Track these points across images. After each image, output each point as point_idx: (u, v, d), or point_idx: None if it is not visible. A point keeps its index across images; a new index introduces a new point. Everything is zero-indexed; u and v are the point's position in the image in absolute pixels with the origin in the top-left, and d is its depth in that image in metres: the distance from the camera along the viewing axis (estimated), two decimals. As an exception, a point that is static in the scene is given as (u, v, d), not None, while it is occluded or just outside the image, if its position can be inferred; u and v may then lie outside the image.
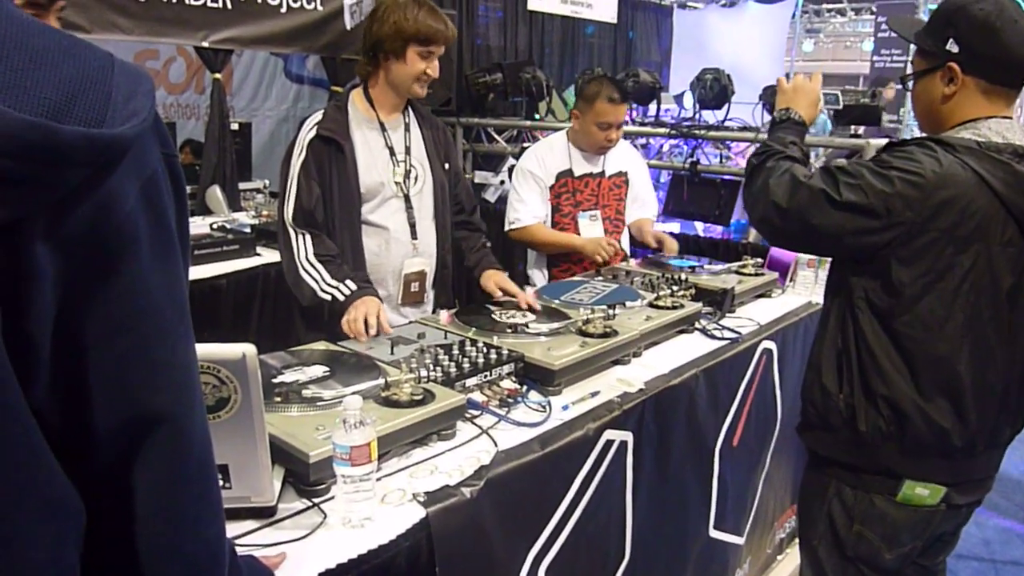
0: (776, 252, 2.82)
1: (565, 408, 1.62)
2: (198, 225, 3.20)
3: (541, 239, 2.79)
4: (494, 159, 5.20)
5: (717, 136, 4.32)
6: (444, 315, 2.02)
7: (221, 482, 1.09)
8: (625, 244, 2.96)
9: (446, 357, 1.66)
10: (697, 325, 2.18)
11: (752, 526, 2.36)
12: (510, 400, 1.62)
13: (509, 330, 1.89)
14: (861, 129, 4.64)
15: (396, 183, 2.17)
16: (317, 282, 2.00)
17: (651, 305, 2.14)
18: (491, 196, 4.97)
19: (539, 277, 2.87)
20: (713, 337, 2.13)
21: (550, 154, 2.82)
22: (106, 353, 0.52)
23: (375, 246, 2.18)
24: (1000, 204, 1.41)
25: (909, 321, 1.47)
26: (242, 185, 4.15)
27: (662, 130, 4.51)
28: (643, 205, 2.98)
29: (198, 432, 0.60)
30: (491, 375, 1.66)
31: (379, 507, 1.23)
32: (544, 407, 1.61)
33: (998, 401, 1.52)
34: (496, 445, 1.45)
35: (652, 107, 4.85)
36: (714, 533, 2.12)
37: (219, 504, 0.63)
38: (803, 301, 2.56)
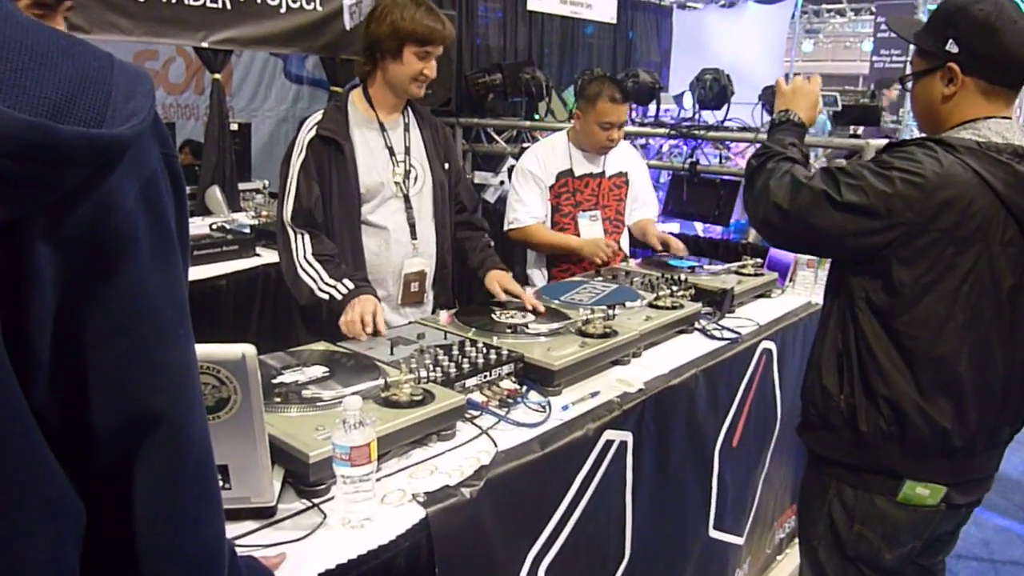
0: (775, 252, 2.82)
1: (565, 408, 1.62)
2: (197, 225, 3.19)
3: (539, 240, 2.79)
4: (493, 159, 5.20)
5: (716, 136, 4.32)
6: (444, 315, 2.02)
7: (221, 482, 1.09)
8: (624, 244, 2.96)
9: (446, 357, 1.66)
10: (697, 325, 2.18)
11: (752, 526, 2.36)
12: (510, 400, 1.62)
13: (509, 330, 1.89)
14: (860, 129, 4.64)
15: (396, 183, 2.17)
16: (315, 281, 2.00)
17: (651, 305, 2.15)
18: (490, 196, 4.97)
19: (538, 277, 2.87)
20: (713, 337, 2.13)
21: (551, 154, 2.82)
22: (106, 353, 0.52)
23: (375, 246, 2.18)
24: (1001, 204, 1.41)
25: (909, 321, 1.47)
26: (241, 185, 4.14)
27: (662, 130, 4.50)
28: (644, 205, 2.98)
29: (198, 432, 0.60)
30: (491, 375, 1.66)
31: (379, 507, 1.23)
32: (544, 407, 1.61)
33: (998, 401, 1.52)
34: (496, 445, 1.45)
35: (652, 107, 4.85)
36: (714, 533, 2.12)
37: (219, 504, 0.63)
38: (802, 301, 2.57)
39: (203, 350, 0.98)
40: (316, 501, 1.24)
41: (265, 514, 1.18)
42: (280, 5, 3.92)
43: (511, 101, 5.16)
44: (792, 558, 2.62)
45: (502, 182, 4.93)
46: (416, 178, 2.22)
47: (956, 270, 1.43)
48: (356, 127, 2.14)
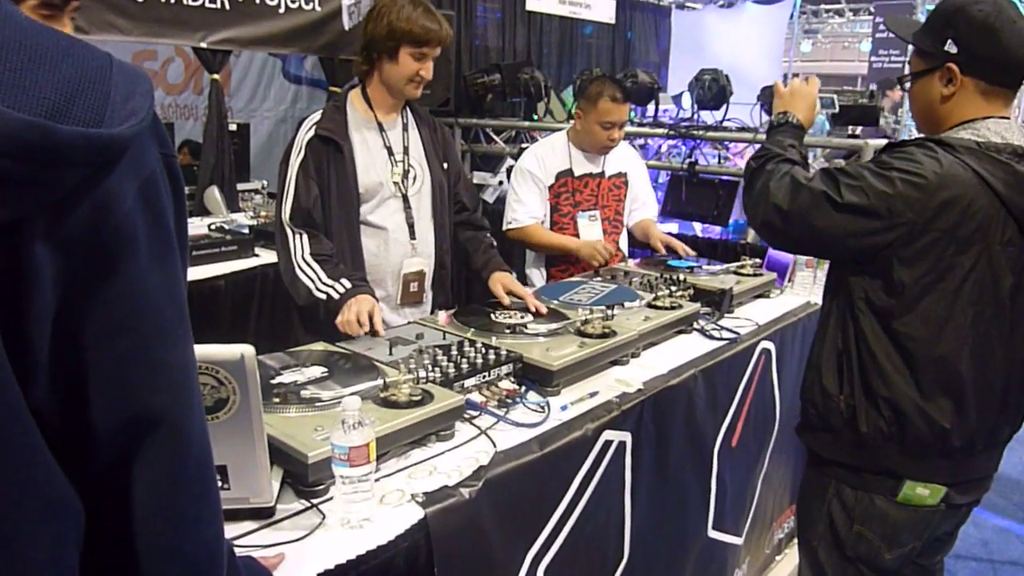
0: (774, 253, 2.82)
1: (564, 408, 1.62)
2: (196, 226, 3.19)
3: (538, 240, 2.79)
4: (492, 160, 5.20)
5: (715, 136, 4.32)
6: (443, 315, 2.02)
7: (220, 483, 1.09)
8: (623, 245, 2.96)
9: (445, 358, 1.66)
10: (696, 325, 2.19)
11: (751, 526, 2.36)
12: (509, 401, 1.62)
13: (507, 330, 1.89)
14: (859, 129, 4.65)
15: (394, 183, 2.17)
16: (313, 281, 2.00)
17: (649, 305, 2.15)
18: (489, 196, 4.97)
19: (537, 277, 2.87)
20: (712, 337, 2.13)
21: (551, 154, 2.82)
22: (106, 353, 0.52)
23: (374, 246, 2.18)
24: (1000, 204, 1.42)
25: (910, 321, 1.48)
26: (240, 186, 4.14)
27: (660, 130, 4.50)
28: (643, 206, 2.99)
29: (197, 432, 0.60)
30: (490, 376, 1.66)
31: (378, 508, 1.23)
32: (543, 407, 1.61)
33: (998, 400, 1.52)
34: (495, 446, 1.45)
35: (650, 107, 4.85)
36: (713, 533, 2.12)
37: (218, 504, 0.63)
38: (801, 301, 2.57)
39: (202, 350, 0.98)
40: (315, 501, 1.24)
41: (264, 514, 1.18)
42: (279, 5, 3.92)
43: (510, 101, 5.16)
44: (791, 558, 2.62)
45: (501, 182, 4.93)
46: (415, 178, 2.22)
47: (956, 270, 1.43)
48: (355, 127, 2.14)
